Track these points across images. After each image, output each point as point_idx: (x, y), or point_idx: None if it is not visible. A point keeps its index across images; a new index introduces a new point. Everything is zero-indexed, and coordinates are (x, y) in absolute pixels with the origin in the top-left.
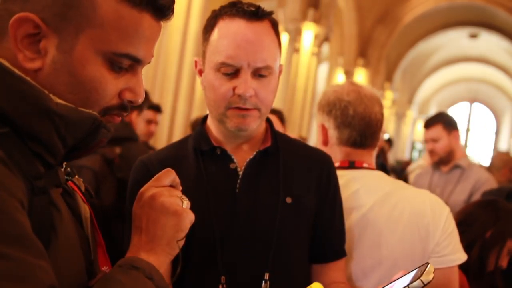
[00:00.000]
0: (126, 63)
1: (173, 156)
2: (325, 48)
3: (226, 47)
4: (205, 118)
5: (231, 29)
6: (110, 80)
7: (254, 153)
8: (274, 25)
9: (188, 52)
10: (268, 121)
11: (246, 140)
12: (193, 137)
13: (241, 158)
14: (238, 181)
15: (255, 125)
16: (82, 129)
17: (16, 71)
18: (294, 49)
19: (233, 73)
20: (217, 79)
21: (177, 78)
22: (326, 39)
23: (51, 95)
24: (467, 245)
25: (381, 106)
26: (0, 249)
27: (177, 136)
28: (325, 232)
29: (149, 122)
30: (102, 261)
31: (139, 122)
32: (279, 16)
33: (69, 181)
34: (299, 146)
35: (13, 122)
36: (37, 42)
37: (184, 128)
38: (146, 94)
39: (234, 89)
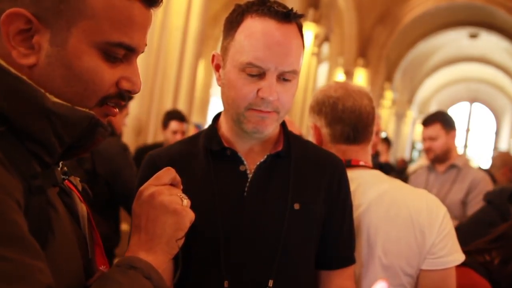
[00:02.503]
0: (121, 53)
1: (183, 153)
2: (325, 48)
3: (254, 47)
4: (217, 116)
5: (260, 29)
6: (106, 70)
7: (265, 156)
8: (300, 28)
9: (188, 52)
10: (282, 123)
11: (259, 142)
12: (204, 135)
13: (252, 160)
14: (247, 184)
15: (272, 128)
16: (78, 128)
17: (12, 70)
18: None
19: (258, 74)
20: (240, 78)
21: (177, 78)
22: (326, 39)
23: (47, 94)
24: (503, 260)
25: (370, 100)
26: None
27: (177, 136)
28: (334, 239)
29: (175, 132)
30: (100, 260)
31: (121, 118)
32: None
33: (66, 180)
34: (311, 149)
35: (10, 121)
36: (30, 37)
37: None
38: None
39: (257, 91)
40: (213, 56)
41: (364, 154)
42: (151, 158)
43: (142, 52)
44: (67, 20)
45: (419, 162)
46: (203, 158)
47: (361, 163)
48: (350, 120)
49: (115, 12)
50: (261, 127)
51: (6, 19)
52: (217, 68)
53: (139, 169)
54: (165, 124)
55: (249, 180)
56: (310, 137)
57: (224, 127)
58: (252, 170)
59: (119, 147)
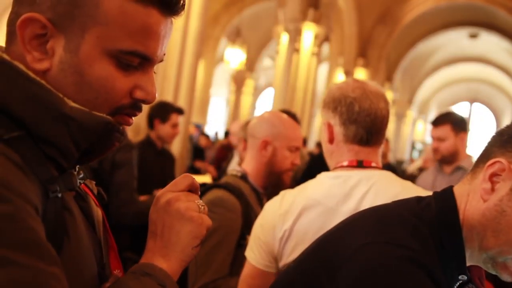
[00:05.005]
0: (135, 61)
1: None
2: (325, 48)
3: None
4: (450, 208)
5: None
6: (118, 79)
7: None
8: None
9: (188, 52)
10: None
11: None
12: (448, 248)
13: None
14: None
15: None
16: (95, 133)
17: (31, 74)
18: (294, 49)
19: None
20: None
21: (177, 78)
22: (326, 39)
23: (65, 99)
24: None
25: (386, 103)
26: (13, 257)
27: (177, 136)
28: None
29: (175, 125)
30: (114, 265)
31: None
32: (279, 16)
33: (82, 184)
34: None
35: (27, 126)
36: (45, 42)
37: (184, 128)
38: None
39: None
40: (498, 163)
41: (375, 156)
42: (423, 266)
43: (161, 61)
44: (81, 26)
45: (417, 163)
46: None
47: (373, 164)
48: (365, 122)
49: (129, 19)
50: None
51: (22, 24)
52: (493, 177)
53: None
54: (163, 118)
55: None
56: (315, 135)
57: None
58: None
59: (124, 143)
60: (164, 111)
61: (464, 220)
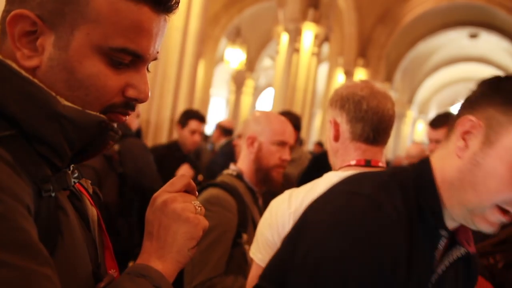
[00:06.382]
0: (127, 59)
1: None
2: (325, 48)
3: None
4: (425, 168)
5: None
6: (109, 76)
7: (463, 251)
8: None
9: (188, 52)
10: None
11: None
12: (425, 206)
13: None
14: (435, 276)
15: None
16: (89, 132)
17: (24, 72)
18: (294, 49)
19: None
20: None
21: (177, 78)
22: (326, 39)
23: (58, 97)
24: (507, 263)
25: (393, 104)
26: (4, 258)
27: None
28: None
29: (193, 132)
30: (109, 264)
31: (132, 119)
32: (279, 16)
33: (77, 184)
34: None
35: (20, 124)
36: (34, 39)
37: None
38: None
39: None
40: (469, 120)
41: (381, 155)
42: (387, 212)
43: (154, 59)
44: (71, 23)
45: None
46: (416, 221)
47: (380, 164)
48: (372, 120)
49: (120, 16)
50: (493, 229)
51: (11, 20)
52: (465, 135)
53: None
54: (183, 123)
55: (437, 271)
56: (315, 136)
57: (451, 197)
58: (446, 264)
59: (142, 147)
60: (183, 117)
61: (442, 180)
